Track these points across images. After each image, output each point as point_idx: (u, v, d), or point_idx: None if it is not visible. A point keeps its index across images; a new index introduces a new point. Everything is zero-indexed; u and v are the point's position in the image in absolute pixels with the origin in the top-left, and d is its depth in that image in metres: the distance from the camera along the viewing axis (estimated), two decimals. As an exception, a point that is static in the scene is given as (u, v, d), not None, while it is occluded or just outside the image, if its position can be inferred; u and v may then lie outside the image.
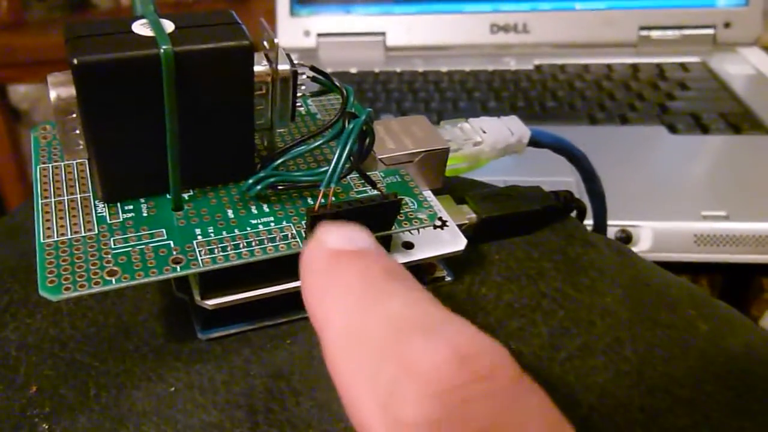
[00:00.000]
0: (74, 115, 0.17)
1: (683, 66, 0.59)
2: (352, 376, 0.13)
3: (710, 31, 0.62)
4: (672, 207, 0.40)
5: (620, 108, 0.52)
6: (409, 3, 0.65)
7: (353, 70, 0.61)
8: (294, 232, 0.19)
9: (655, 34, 0.62)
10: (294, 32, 0.64)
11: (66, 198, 0.19)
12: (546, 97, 0.55)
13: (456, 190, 0.26)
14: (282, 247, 0.18)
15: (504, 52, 0.63)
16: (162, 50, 0.17)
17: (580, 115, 0.52)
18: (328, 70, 0.22)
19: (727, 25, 0.62)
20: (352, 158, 0.18)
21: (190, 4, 0.96)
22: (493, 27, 0.63)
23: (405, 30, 0.64)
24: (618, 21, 0.62)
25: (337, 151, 0.18)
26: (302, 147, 0.20)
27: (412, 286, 0.14)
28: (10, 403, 0.18)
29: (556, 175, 0.44)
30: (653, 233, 0.39)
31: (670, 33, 0.62)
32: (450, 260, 0.23)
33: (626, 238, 0.39)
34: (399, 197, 0.19)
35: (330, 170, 0.18)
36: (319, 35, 0.64)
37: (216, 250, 0.18)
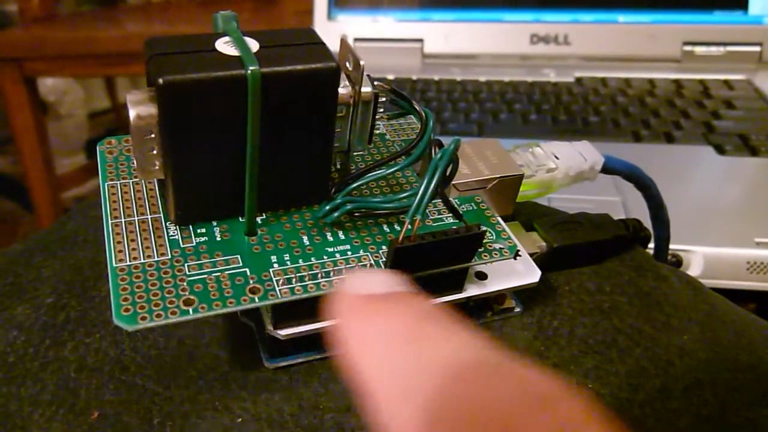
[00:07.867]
0: (153, 135, 0.17)
1: (728, 83, 0.58)
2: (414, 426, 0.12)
3: (756, 48, 0.61)
4: (723, 232, 0.39)
5: (665, 126, 0.51)
6: (448, 10, 0.64)
7: (390, 77, 0.60)
8: (372, 261, 0.18)
9: (699, 49, 0.61)
10: (331, 36, 0.63)
11: (137, 219, 0.18)
12: (588, 111, 0.54)
13: (520, 214, 0.25)
14: (360, 278, 0.17)
15: (543, 64, 0.62)
16: (249, 71, 0.16)
17: (624, 131, 0.51)
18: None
19: (773, 42, 0.61)
20: (438, 188, 0.18)
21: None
22: (534, 37, 0.62)
23: (443, 37, 0.63)
24: (661, 35, 0.61)
25: (425, 181, 0.17)
26: (379, 171, 0.19)
27: (460, 328, 0.13)
28: (71, 429, 0.18)
29: (602, 195, 0.43)
30: (704, 259, 0.38)
31: (714, 49, 0.61)
32: (519, 290, 0.22)
33: (676, 262, 0.38)
34: (483, 228, 0.18)
35: (416, 200, 0.17)
36: (356, 40, 0.63)
37: (294, 280, 0.17)
